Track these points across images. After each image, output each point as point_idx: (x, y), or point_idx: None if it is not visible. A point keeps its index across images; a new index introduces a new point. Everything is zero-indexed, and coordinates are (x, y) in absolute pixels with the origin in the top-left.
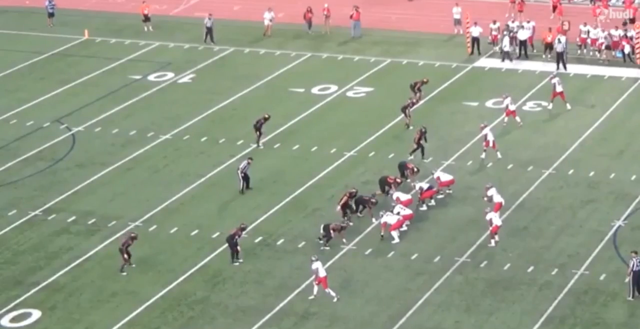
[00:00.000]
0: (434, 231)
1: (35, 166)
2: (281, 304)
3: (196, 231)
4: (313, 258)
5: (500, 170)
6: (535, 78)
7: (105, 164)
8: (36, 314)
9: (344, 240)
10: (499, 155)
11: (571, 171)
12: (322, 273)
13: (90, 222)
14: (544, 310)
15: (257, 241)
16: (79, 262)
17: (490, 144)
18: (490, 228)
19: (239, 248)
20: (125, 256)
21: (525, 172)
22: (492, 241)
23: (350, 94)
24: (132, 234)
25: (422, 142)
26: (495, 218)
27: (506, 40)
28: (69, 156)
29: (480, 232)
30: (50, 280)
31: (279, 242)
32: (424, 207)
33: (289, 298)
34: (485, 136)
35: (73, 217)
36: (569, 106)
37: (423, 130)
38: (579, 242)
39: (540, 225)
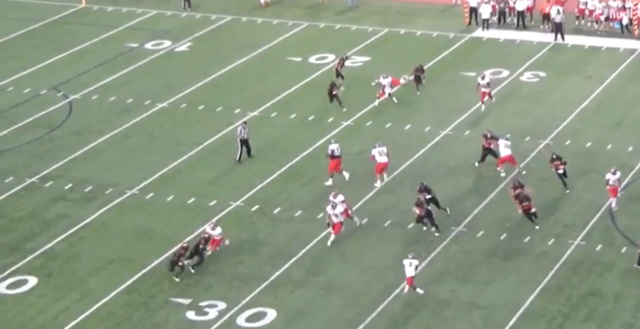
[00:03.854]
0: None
1: (32, 133)
2: (277, 273)
3: (192, 199)
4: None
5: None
6: (534, 48)
7: (102, 131)
8: (32, 281)
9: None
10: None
11: (568, 142)
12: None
13: (86, 189)
14: (540, 280)
15: (253, 209)
16: (75, 229)
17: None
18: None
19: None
20: (178, 266)
21: (522, 143)
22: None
23: (347, 63)
24: (184, 244)
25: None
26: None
27: (486, 8)
28: (66, 124)
29: (476, 201)
30: (46, 247)
31: (275, 211)
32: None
33: (285, 267)
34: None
35: (70, 185)
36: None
37: (488, 135)
38: (575, 212)
39: (536, 195)
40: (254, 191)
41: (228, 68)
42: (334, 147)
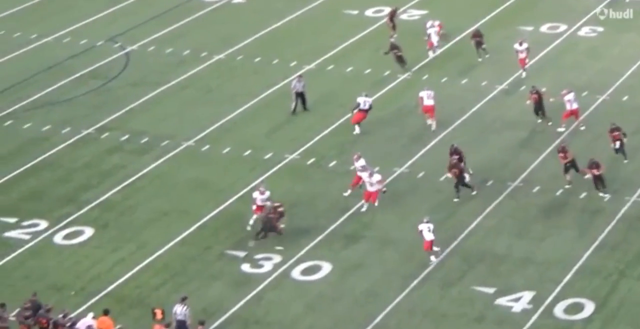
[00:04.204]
0: (486, 154)
1: (89, 85)
2: (332, 226)
3: (248, 152)
4: (425, 220)
5: (555, 95)
6: (592, 3)
7: (158, 83)
8: (89, 231)
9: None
10: None
11: (625, 98)
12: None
13: (143, 141)
14: (596, 236)
15: (309, 162)
16: (131, 180)
17: None
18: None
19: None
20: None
21: (579, 98)
22: None
23: (404, 17)
24: (277, 206)
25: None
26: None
27: None
28: (122, 75)
29: (532, 156)
30: (102, 198)
31: (330, 164)
32: None
33: (340, 220)
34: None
35: (126, 136)
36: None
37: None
38: (632, 168)
39: (593, 151)
40: (309, 143)
41: (284, 20)
42: (361, 100)
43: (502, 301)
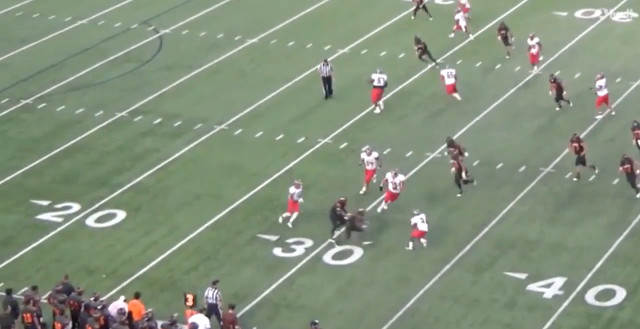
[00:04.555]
0: (519, 140)
1: (122, 68)
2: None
3: (281, 136)
4: (415, 212)
5: (590, 81)
6: None
7: (191, 66)
8: (121, 215)
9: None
10: None
11: None
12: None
13: (176, 124)
14: (628, 223)
15: (342, 146)
16: (164, 164)
17: None
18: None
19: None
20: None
21: (613, 84)
22: None
23: (438, 1)
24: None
25: None
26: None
27: None
28: (156, 58)
29: (565, 142)
30: (135, 181)
31: (364, 149)
32: None
33: (372, 205)
34: None
35: (159, 120)
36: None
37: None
38: None
39: (626, 136)
40: (342, 128)
41: (319, 4)
42: (375, 76)
43: (533, 287)
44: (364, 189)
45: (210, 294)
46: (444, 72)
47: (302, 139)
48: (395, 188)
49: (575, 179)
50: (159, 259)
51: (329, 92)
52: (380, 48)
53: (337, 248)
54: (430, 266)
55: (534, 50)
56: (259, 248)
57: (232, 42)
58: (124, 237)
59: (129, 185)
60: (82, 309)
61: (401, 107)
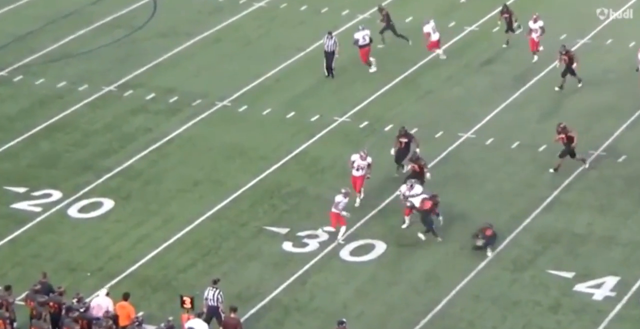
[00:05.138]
0: (565, 118)
1: (112, 35)
2: (388, 200)
3: (292, 113)
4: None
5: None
6: None
7: (190, 34)
8: (108, 203)
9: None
10: None
11: None
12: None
13: (171, 100)
14: None
15: (362, 125)
16: (158, 145)
17: None
18: None
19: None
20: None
21: None
22: None
23: None
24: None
25: None
26: None
27: None
28: (150, 24)
29: (617, 122)
30: (124, 165)
31: (386, 128)
32: None
33: (396, 193)
34: None
35: (152, 95)
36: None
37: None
38: None
39: None
40: (362, 105)
41: None
42: (359, 35)
43: (581, 287)
44: (357, 201)
45: (211, 295)
46: (428, 28)
47: (316, 117)
48: (415, 199)
49: (551, 171)
50: (151, 255)
51: (329, 71)
52: (405, 13)
53: (357, 242)
54: (462, 263)
55: (535, 36)
56: (266, 241)
57: (236, 6)
58: (112, 230)
59: (117, 170)
60: (64, 312)
61: (430, 81)
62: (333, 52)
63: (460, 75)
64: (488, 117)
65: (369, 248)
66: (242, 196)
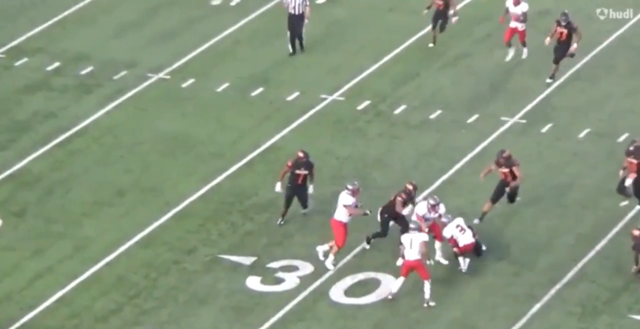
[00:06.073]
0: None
1: None
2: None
3: (259, 90)
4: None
5: None
6: None
7: None
8: None
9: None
10: None
11: None
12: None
13: (83, 72)
14: None
15: (360, 107)
16: (64, 137)
17: None
18: None
19: None
20: None
21: None
22: None
23: None
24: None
25: None
26: None
27: None
28: None
29: None
30: (16, 167)
31: (396, 111)
32: None
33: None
34: None
35: (56, 64)
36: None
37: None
38: None
39: None
40: (359, 78)
41: None
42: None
43: None
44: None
45: None
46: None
47: (295, 95)
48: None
49: (476, 221)
50: (55, 297)
51: (294, 44)
52: None
53: (354, 276)
54: (508, 305)
55: (517, 25)
56: (222, 277)
57: None
58: None
59: (5, 173)
60: None
61: (452, 47)
62: (302, 16)
63: (499, 41)
64: (527, 108)
65: (372, 285)
66: (188, 210)
